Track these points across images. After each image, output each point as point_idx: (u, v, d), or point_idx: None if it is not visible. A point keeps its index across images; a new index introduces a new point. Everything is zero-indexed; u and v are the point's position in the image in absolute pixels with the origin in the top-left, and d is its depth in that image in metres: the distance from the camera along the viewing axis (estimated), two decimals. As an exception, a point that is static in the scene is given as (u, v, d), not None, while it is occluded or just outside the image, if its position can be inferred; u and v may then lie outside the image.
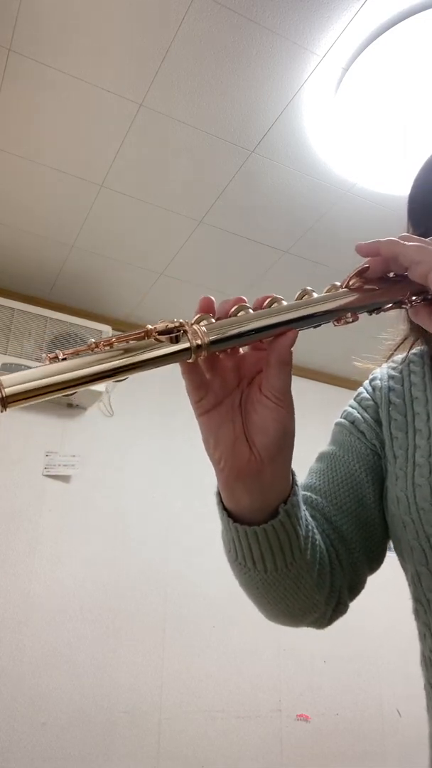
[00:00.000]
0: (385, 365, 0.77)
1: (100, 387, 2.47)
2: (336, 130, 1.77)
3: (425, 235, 0.72)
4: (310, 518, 0.61)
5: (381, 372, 0.76)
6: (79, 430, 2.57)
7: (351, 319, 0.53)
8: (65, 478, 2.47)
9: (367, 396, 0.75)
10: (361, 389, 0.77)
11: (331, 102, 1.68)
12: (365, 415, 0.73)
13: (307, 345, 2.87)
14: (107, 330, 2.57)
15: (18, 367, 2.33)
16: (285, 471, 0.55)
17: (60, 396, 0.43)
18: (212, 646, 2.45)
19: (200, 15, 1.48)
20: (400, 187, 1.93)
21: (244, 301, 0.50)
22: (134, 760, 2.18)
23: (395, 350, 0.75)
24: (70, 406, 2.58)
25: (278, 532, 0.55)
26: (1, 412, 0.40)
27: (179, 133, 1.81)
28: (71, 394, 0.45)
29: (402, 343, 0.74)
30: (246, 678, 2.45)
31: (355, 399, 0.77)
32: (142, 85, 1.66)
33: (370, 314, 0.55)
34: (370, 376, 0.78)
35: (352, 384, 3.13)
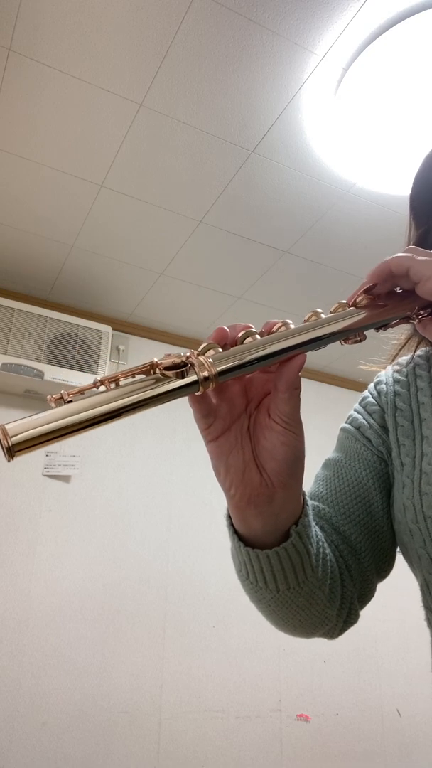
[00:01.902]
0: (389, 368, 0.75)
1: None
2: (336, 130, 1.77)
3: (427, 233, 0.72)
4: (320, 533, 0.60)
5: (386, 375, 0.75)
6: (79, 430, 2.56)
7: (359, 338, 0.52)
8: (65, 478, 2.47)
9: (373, 401, 0.73)
10: (366, 393, 0.76)
11: (331, 102, 1.68)
12: (371, 420, 0.72)
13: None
14: (107, 330, 2.57)
15: (18, 367, 2.33)
16: (296, 494, 0.54)
17: (68, 438, 0.41)
18: (212, 646, 2.45)
19: (200, 15, 1.48)
20: (400, 187, 1.93)
21: (251, 327, 0.49)
22: (134, 760, 2.18)
23: (399, 351, 0.74)
24: (70, 406, 2.58)
25: (290, 553, 0.55)
26: (8, 461, 0.39)
27: (179, 133, 1.81)
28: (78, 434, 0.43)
29: (406, 344, 0.73)
30: (246, 678, 2.45)
31: (360, 403, 0.75)
32: (142, 85, 1.66)
33: (377, 331, 0.54)
34: (375, 380, 0.76)
35: (351, 384, 3.13)
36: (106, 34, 1.54)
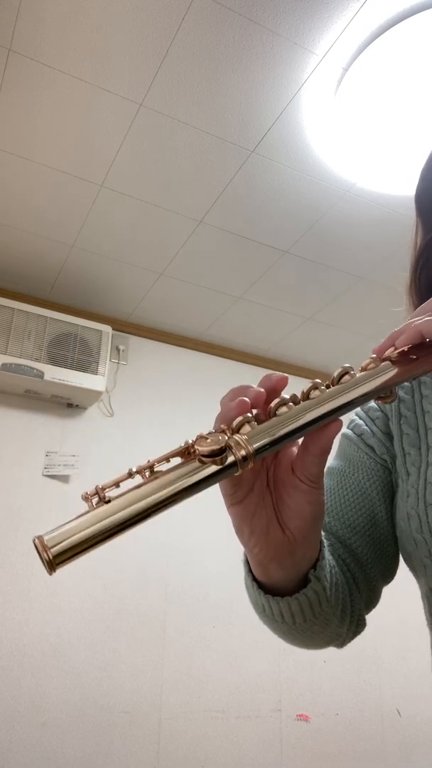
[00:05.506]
0: None
1: (99, 387, 2.47)
2: (336, 130, 1.77)
3: None
4: (330, 557, 0.59)
5: None
6: (79, 430, 2.57)
7: (391, 399, 0.51)
8: (65, 478, 2.47)
9: (376, 406, 0.72)
10: None
11: (331, 102, 1.68)
12: (374, 427, 0.70)
13: (307, 344, 2.87)
14: (107, 330, 2.57)
15: (18, 367, 2.33)
16: (316, 543, 0.54)
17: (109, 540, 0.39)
18: (212, 646, 2.45)
19: (200, 15, 1.48)
20: (400, 187, 1.93)
21: (278, 395, 0.47)
22: (134, 760, 2.18)
23: None
24: (70, 406, 2.58)
25: (309, 596, 0.55)
26: (50, 574, 0.38)
27: (179, 133, 1.81)
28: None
29: None
30: (246, 678, 2.45)
31: (362, 408, 0.74)
32: (142, 85, 1.66)
33: (410, 382, 0.54)
34: None
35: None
36: (106, 34, 1.54)
